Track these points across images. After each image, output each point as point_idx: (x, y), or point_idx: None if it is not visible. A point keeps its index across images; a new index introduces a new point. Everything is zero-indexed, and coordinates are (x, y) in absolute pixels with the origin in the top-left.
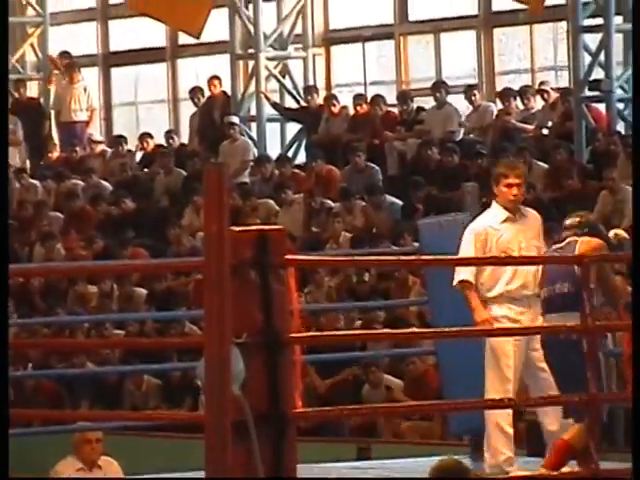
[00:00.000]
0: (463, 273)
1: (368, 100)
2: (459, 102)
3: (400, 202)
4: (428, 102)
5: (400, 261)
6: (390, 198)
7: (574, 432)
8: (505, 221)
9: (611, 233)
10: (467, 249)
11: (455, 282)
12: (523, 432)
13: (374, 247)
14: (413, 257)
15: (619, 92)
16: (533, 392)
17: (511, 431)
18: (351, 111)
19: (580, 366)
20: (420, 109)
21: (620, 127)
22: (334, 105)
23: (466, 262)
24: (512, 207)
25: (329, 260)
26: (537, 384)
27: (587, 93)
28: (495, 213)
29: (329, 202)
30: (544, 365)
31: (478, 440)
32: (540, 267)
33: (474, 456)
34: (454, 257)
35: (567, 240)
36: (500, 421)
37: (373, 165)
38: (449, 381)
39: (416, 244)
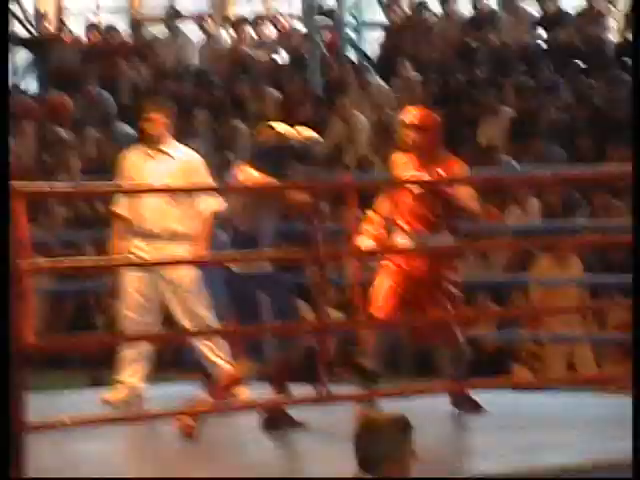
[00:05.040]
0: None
1: (101, 29)
2: (193, 31)
3: (134, 132)
4: (162, 30)
5: (135, 190)
6: (124, 128)
7: (237, 366)
8: (146, 155)
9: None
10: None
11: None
12: None
13: (107, 177)
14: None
15: (350, 20)
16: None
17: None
18: (84, 40)
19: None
20: (153, 38)
21: (352, 55)
22: (66, 34)
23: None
24: (150, 143)
25: (60, 191)
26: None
27: (319, 21)
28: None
29: (61, 131)
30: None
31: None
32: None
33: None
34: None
35: None
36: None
37: (106, 94)
38: None
39: None
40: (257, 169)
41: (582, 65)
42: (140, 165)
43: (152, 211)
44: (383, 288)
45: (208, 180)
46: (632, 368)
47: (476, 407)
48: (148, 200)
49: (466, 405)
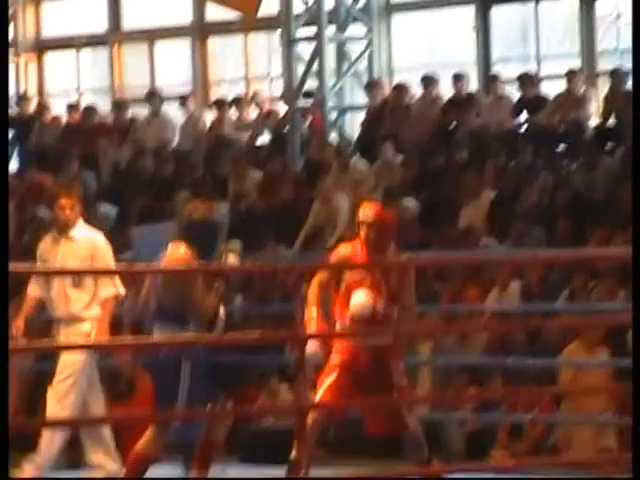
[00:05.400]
0: None
1: (81, 108)
2: (174, 111)
3: (114, 211)
4: (143, 110)
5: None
6: (104, 207)
7: (143, 441)
8: (54, 241)
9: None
10: None
11: None
12: None
13: None
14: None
15: (332, 102)
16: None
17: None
18: (64, 119)
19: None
20: (134, 118)
21: (333, 136)
22: (47, 113)
23: None
24: (60, 228)
25: (41, 271)
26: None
27: (301, 103)
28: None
29: (41, 211)
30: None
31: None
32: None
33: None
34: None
35: None
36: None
37: (86, 174)
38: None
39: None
40: (187, 245)
41: (561, 148)
42: (50, 250)
43: (57, 295)
44: (328, 383)
45: (110, 263)
46: (632, 367)
47: None
48: (54, 284)
49: None
